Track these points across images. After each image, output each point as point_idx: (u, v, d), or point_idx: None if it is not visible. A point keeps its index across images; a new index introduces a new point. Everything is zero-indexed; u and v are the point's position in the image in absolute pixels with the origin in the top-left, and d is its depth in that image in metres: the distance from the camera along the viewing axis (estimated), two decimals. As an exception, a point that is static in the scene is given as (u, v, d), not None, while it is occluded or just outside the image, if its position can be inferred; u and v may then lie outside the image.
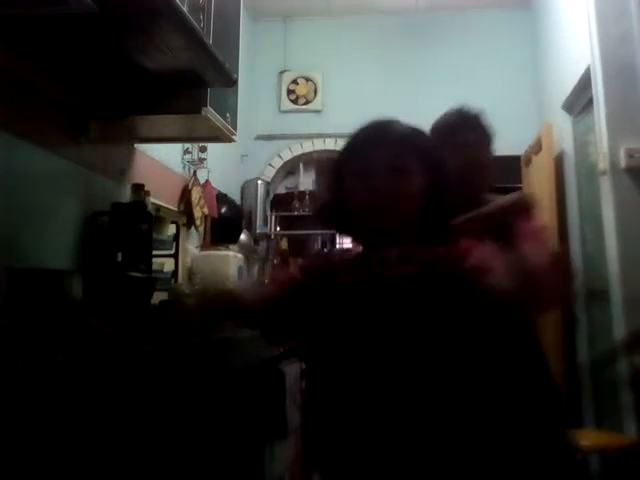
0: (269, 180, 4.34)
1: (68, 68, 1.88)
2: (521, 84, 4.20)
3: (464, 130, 1.53)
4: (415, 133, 1.16)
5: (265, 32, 4.51)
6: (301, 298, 1.16)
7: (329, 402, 1.05)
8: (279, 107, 4.45)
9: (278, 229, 4.40)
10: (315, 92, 4.43)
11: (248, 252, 3.62)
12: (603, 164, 2.56)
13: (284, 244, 4.17)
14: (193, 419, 1.40)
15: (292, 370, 2.35)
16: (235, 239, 3.44)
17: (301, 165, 4.61)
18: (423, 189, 1.09)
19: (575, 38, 3.05)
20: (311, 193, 4.46)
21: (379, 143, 1.11)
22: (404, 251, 1.08)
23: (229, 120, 2.40)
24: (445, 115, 1.61)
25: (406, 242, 1.09)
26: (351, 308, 1.06)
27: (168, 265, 2.53)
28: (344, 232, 1.24)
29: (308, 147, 4.42)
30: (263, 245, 4.15)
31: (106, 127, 2.18)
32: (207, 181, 3.27)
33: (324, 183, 1.21)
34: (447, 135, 1.50)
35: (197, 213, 3.04)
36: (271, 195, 4.32)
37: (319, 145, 4.39)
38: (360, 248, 1.19)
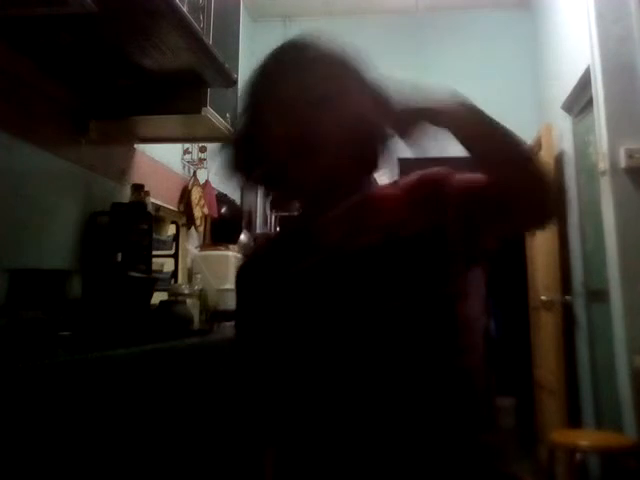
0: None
1: (68, 68, 1.88)
2: (521, 84, 4.20)
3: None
4: (335, 52, 0.95)
5: (265, 32, 4.51)
6: (246, 303, 1.01)
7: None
8: (279, 107, 4.45)
9: (278, 229, 4.40)
10: (315, 92, 4.43)
11: (247, 251, 3.62)
12: (603, 164, 2.56)
13: (284, 244, 4.16)
14: (193, 419, 1.40)
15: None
16: (235, 239, 3.43)
17: (301, 165, 4.60)
18: (350, 120, 0.89)
19: (575, 38, 3.05)
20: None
21: (292, 71, 0.92)
22: (350, 216, 0.92)
23: (229, 120, 2.40)
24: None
25: (347, 192, 0.92)
26: (312, 299, 0.90)
27: (168, 265, 2.53)
28: (262, 179, 1.00)
29: (308, 147, 4.41)
30: (263, 245, 4.14)
31: (106, 127, 2.18)
32: (207, 181, 3.27)
33: (236, 125, 0.98)
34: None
35: (197, 213, 3.04)
36: (271, 195, 4.32)
37: (319, 145, 4.39)
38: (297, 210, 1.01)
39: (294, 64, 0.93)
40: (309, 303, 0.90)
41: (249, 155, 0.97)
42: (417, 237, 0.87)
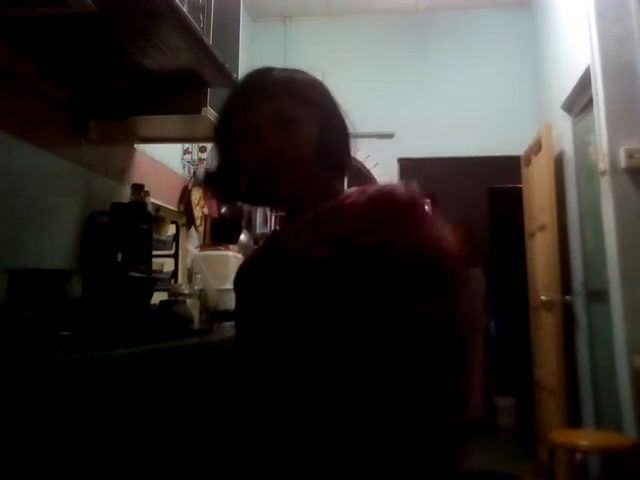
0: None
1: (68, 68, 1.88)
2: (521, 84, 4.20)
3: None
4: (296, 75, 1.04)
5: (265, 32, 4.52)
6: (236, 304, 1.09)
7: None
8: (279, 107, 4.45)
9: (278, 229, 4.40)
10: (315, 92, 4.43)
11: (248, 252, 3.62)
12: (603, 164, 2.56)
13: (284, 244, 4.16)
14: (193, 419, 1.40)
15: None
16: (235, 239, 3.43)
17: (301, 165, 4.61)
18: (315, 138, 0.99)
19: (575, 38, 3.06)
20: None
21: (258, 95, 0.99)
22: (311, 226, 0.97)
23: (229, 120, 2.40)
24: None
25: (314, 202, 0.99)
26: (274, 304, 0.96)
27: (168, 265, 2.53)
28: (245, 198, 1.10)
29: (308, 147, 4.41)
30: (263, 245, 4.13)
31: (106, 127, 2.18)
32: (207, 181, 3.26)
33: (212, 150, 1.07)
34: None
35: (197, 213, 3.04)
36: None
37: (319, 145, 4.39)
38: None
39: (261, 89, 1.01)
40: (266, 310, 0.97)
41: (225, 179, 1.06)
42: (366, 250, 0.92)
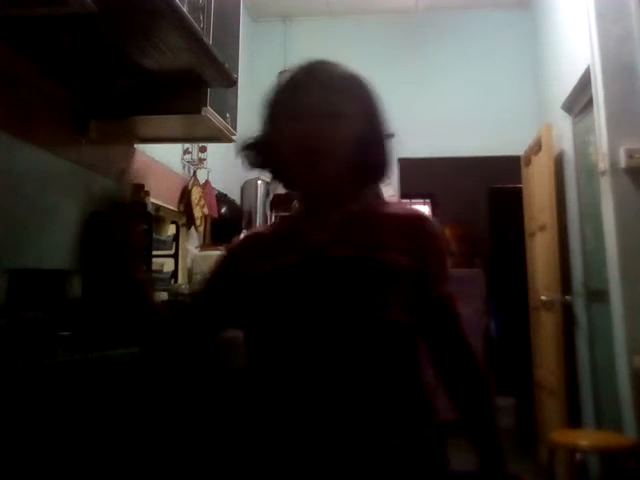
0: (269, 180, 4.33)
1: (68, 68, 1.88)
2: (521, 84, 4.20)
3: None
4: (352, 76, 1.10)
5: (265, 32, 4.51)
6: (231, 282, 1.09)
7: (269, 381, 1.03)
8: (279, 107, 4.45)
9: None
10: (315, 92, 4.43)
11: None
12: (603, 164, 2.56)
13: (284, 244, 4.16)
14: (193, 419, 1.40)
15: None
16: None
17: (301, 165, 4.61)
18: (356, 137, 1.03)
19: (575, 38, 3.06)
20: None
21: (312, 85, 1.05)
22: (338, 225, 1.03)
23: (229, 120, 2.40)
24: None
25: (343, 201, 1.05)
26: (285, 293, 1.01)
27: (168, 265, 2.53)
28: (274, 175, 1.15)
29: (308, 147, 4.41)
30: (263, 245, 4.14)
31: (106, 127, 2.18)
32: (207, 181, 3.27)
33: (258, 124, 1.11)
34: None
35: (197, 213, 3.04)
36: (271, 195, 4.32)
37: (319, 145, 4.39)
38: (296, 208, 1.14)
39: (314, 79, 1.06)
40: (283, 297, 1.01)
41: (264, 152, 1.10)
42: (385, 262, 0.99)
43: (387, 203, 1.12)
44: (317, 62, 1.11)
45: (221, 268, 1.15)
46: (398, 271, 0.99)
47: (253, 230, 1.28)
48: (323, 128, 1.00)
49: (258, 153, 1.12)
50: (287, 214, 1.28)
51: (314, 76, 1.07)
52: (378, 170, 1.09)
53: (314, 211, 1.07)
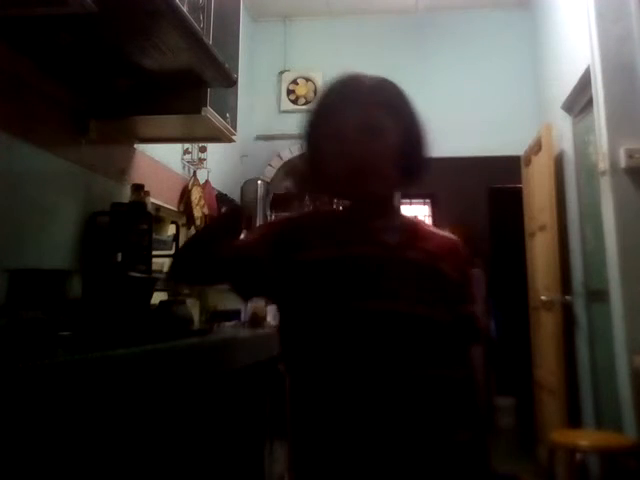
0: (269, 180, 4.34)
1: (68, 68, 1.88)
2: (521, 84, 4.20)
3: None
4: (384, 85, 1.11)
5: (265, 32, 4.51)
6: (285, 253, 1.07)
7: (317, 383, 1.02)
8: (279, 107, 4.45)
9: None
10: (315, 92, 4.43)
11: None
12: (603, 164, 2.56)
13: (284, 244, 4.16)
14: (193, 419, 1.40)
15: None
16: (235, 239, 3.43)
17: (301, 165, 4.62)
18: (398, 146, 1.06)
19: (575, 38, 3.06)
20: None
21: (348, 101, 1.06)
22: (404, 230, 1.10)
23: (229, 120, 2.40)
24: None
25: (387, 204, 1.11)
26: (360, 281, 1.03)
27: (168, 265, 2.52)
28: (330, 195, 1.23)
29: (308, 147, 4.42)
30: (263, 245, 4.14)
31: (106, 127, 2.19)
32: (207, 181, 3.27)
33: (300, 149, 1.15)
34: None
35: (197, 213, 3.04)
36: (271, 195, 4.32)
37: (319, 145, 4.40)
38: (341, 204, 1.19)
39: (353, 94, 1.08)
40: (357, 284, 1.03)
41: (311, 176, 1.14)
42: (443, 271, 1.08)
43: (447, 230, 1.21)
44: (349, 77, 1.11)
45: (281, 234, 1.12)
46: (451, 281, 1.08)
47: (314, 210, 1.32)
48: (366, 146, 1.03)
49: (306, 178, 1.17)
50: (332, 208, 1.33)
51: (349, 93, 1.08)
52: (419, 173, 1.12)
53: (369, 214, 1.10)
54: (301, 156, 1.15)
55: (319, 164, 1.09)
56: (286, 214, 1.21)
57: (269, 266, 1.08)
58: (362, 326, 1.00)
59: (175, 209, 2.89)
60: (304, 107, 4.43)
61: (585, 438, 2.55)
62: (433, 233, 1.16)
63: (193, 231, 3.09)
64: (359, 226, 1.09)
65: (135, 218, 2.09)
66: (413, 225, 1.14)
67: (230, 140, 2.51)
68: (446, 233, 1.18)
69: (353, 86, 1.09)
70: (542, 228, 3.56)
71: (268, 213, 4.20)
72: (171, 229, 2.57)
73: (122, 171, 2.38)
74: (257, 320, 2.73)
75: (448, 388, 1.03)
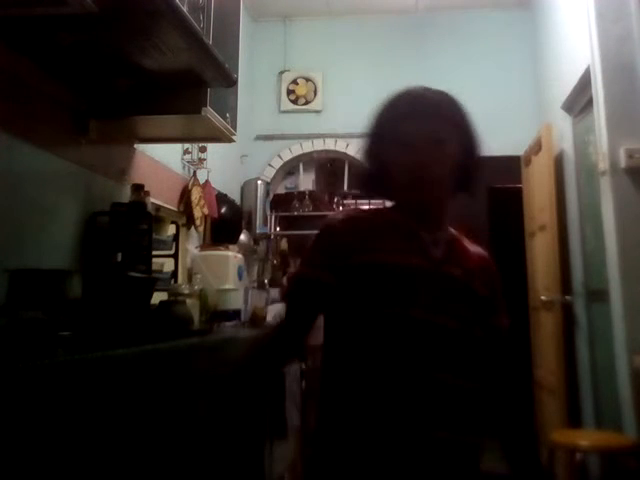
0: (269, 180, 4.34)
1: (68, 68, 1.88)
2: (521, 84, 4.20)
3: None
4: (449, 100, 1.19)
5: (265, 32, 4.52)
6: (335, 262, 1.12)
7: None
8: (279, 107, 4.45)
9: (278, 229, 4.40)
10: (315, 92, 4.44)
11: (248, 252, 3.63)
12: (603, 164, 2.56)
13: (284, 244, 4.17)
14: (193, 419, 1.40)
15: (292, 370, 2.35)
16: (235, 239, 3.43)
17: (301, 165, 4.62)
18: (458, 159, 1.14)
19: (575, 38, 3.06)
20: (311, 193, 4.46)
21: (418, 114, 1.13)
22: (449, 245, 1.17)
23: (229, 120, 2.40)
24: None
25: (442, 214, 1.18)
26: (405, 290, 1.08)
27: (168, 265, 2.53)
28: (385, 198, 1.27)
29: (308, 147, 4.42)
30: (263, 245, 4.15)
31: (106, 127, 2.18)
32: (207, 181, 3.27)
33: (363, 149, 1.22)
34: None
35: (197, 213, 3.04)
36: (271, 195, 4.33)
37: (319, 145, 4.39)
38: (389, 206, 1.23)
39: (420, 107, 1.15)
40: (401, 293, 1.09)
41: (377, 181, 1.20)
42: (474, 288, 1.15)
43: (480, 247, 1.27)
44: (416, 90, 1.18)
45: (325, 248, 1.15)
46: (481, 297, 1.15)
47: (350, 212, 1.33)
48: (432, 156, 1.10)
49: (372, 183, 1.22)
50: (379, 207, 1.34)
51: (418, 106, 1.15)
52: (470, 185, 1.21)
53: (422, 221, 1.15)
54: (364, 160, 1.21)
55: (384, 170, 1.15)
56: (324, 222, 1.20)
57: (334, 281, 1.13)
58: (400, 330, 1.06)
59: (175, 209, 2.89)
60: (304, 107, 4.44)
61: (585, 438, 2.55)
62: (468, 249, 1.22)
63: (193, 231, 3.10)
64: (410, 234, 1.14)
65: (135, 218, 2.09)
66: (454, 240, 1.20)
67: (230, 140, 2.51)
68: (478, 248, 1.25)
69: (421, 99, 1.16)
70: (542, 228, 3.56)
71: (268, 213, 4.21)
72: (171, 229, 2.57)
73: (122, 171, 2.38)
74: (257, 320, 2.73)
75: (467, 396, 1.09)
